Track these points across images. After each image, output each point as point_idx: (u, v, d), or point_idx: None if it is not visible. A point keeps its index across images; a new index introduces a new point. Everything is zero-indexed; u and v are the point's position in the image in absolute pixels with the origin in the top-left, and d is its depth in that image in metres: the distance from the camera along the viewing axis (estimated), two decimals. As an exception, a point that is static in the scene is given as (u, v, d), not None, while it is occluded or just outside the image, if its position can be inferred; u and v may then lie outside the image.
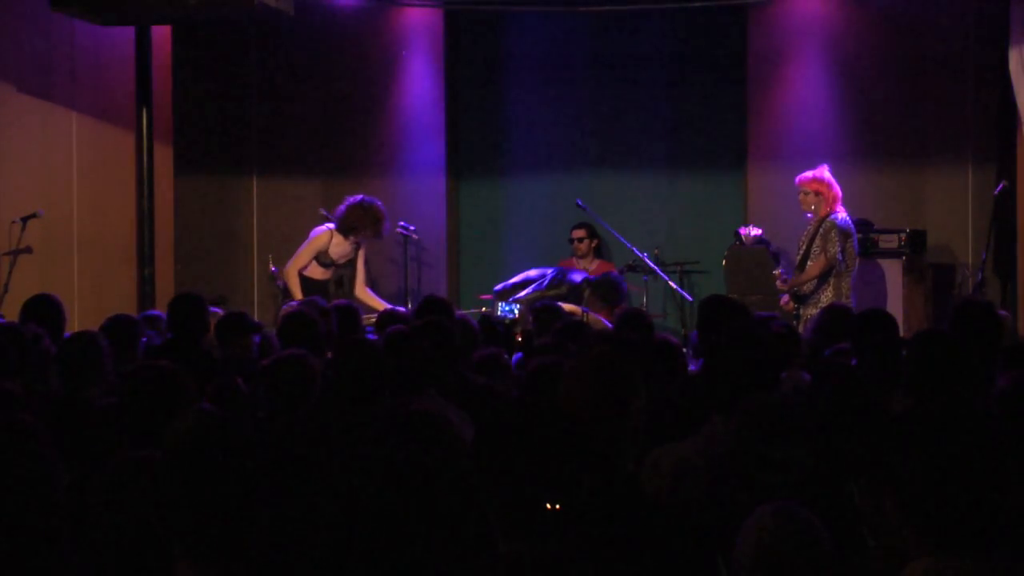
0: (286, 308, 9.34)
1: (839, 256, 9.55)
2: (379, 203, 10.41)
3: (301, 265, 10.31)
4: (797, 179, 9.83)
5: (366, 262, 10.64)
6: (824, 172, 9.77)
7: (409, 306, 10.85)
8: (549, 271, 10.58)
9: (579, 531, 2.84)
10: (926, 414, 2.85)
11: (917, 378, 4.85)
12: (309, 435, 4.91)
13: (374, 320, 8.41)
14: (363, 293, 10.51)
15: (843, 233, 9.60)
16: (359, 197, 10.40)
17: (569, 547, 2.81)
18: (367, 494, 2.98)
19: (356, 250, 10.46)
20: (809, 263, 9.68)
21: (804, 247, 9.75)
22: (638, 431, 3.75)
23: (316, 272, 10.34)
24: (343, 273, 10.50)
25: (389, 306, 10.28)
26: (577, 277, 10.46)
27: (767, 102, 11.51)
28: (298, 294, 10.09)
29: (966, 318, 5.98)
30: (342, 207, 10.38)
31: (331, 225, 10.43)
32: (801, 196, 9.78)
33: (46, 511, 3.41)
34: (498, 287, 10.62)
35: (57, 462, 3.58)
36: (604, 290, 10.15)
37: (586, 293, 10.22)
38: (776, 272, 9.91)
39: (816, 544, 2.92)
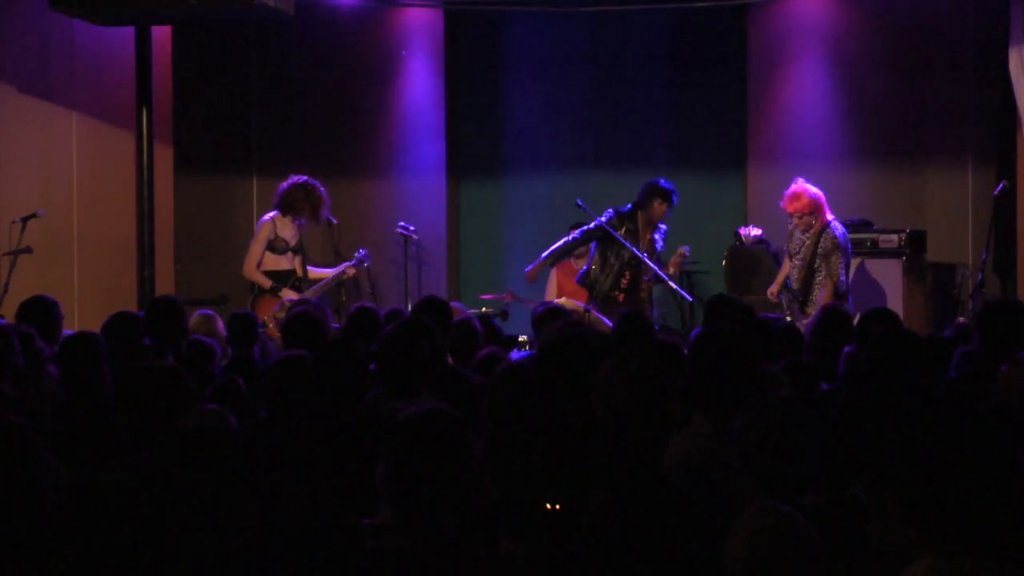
0: (279, 308, 9.37)
1: (842, 277, 9.52)
2: (322, 188, 10.32)
3: (255, 259, 10.23)
4: (784, 206, 9.62)
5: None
6: (806, 188, 9.57)
7: (409, 306, 10.86)
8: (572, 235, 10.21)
9: (605, 534, 2.84)
10: (928, 414, 2.85)
11: None
12: (307, 434, 4.90)
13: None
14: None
15: (843, 251, 9.54)
16: (303, 178, 10.32)
17: (583, 548, 2.81)
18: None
19: (301, 232, 10.37)
20: (817, 284, 9.56)
21: (805, 262, 9.59)
22: (673, 429, 3.75)
23: (280, 263, 10.27)
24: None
25: (333, 271, 10.28)
26: (591, 224, 10.24)
27: (767, 102, 11.51)
28: (266, 283, 10.09)
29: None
30: (284, 184, 10.31)
31: (272, 213, 10.36)
32: (797, 220, 9.59)
33: (38, 513, 3.40)
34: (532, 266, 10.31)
35: (50, 464, 3.57)
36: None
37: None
38: (785, 306, 9.72)
39: (803, 543, 2.92)
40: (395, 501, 3.29)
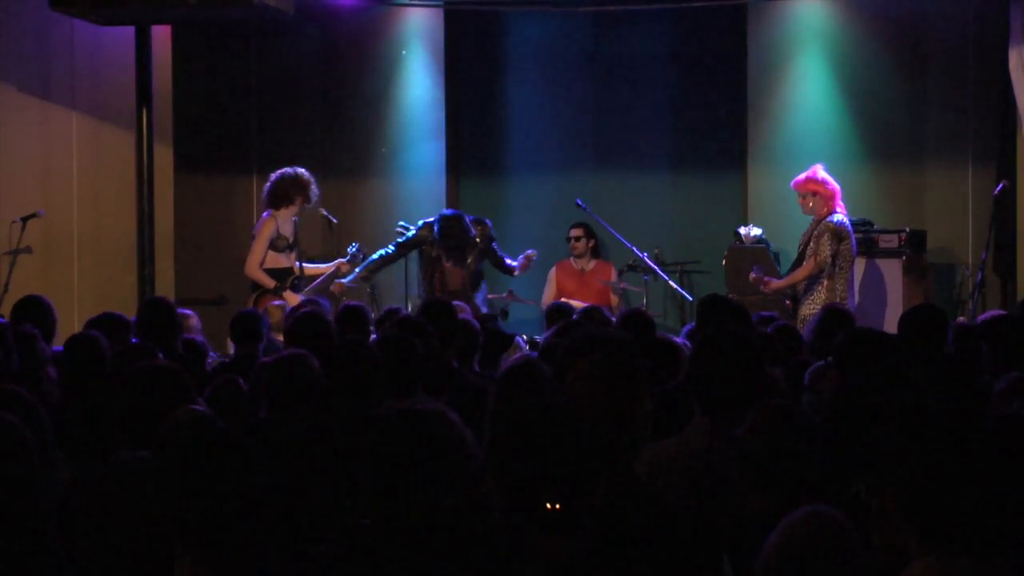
0: (276, 305, 9.34)
1: (829, 259, 9.50)
2: (302, 170, 10.27)
3: (259, 258, 10.20)
4: (793, 184, 9.75)
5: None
6: (818, 172, 9.68)
7: (409, 307, 10.85)
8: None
9: (588, 531, 2.84)
10: (927, 414, 2.85)
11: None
12: (309, 435, 4.89)
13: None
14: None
15: (837, 236, 9.51)
16: (281, 170, 10.29)
17: (576, 547, 2.81)
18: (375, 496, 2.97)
19: (297, 229, 10.35)
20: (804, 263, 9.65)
21: (801, 248, 9.73)
22: (646, 432, 3.75)
23: (280, 261, 10.24)
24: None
25: (328, 267, 10.27)
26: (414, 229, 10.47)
27: (767, 102, 11.50)
28: (270, 283, 10.07)
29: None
30: (267, 185, 10.27)
31: (270, 211, 10.33)
32: (800, 200, 9.69)
33: (32, 512, 3.40)
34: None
35: (44, 462, 3.56)
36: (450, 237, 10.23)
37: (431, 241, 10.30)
38: (751, 276, 9.83)
39: (847, 551, 2.90)
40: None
